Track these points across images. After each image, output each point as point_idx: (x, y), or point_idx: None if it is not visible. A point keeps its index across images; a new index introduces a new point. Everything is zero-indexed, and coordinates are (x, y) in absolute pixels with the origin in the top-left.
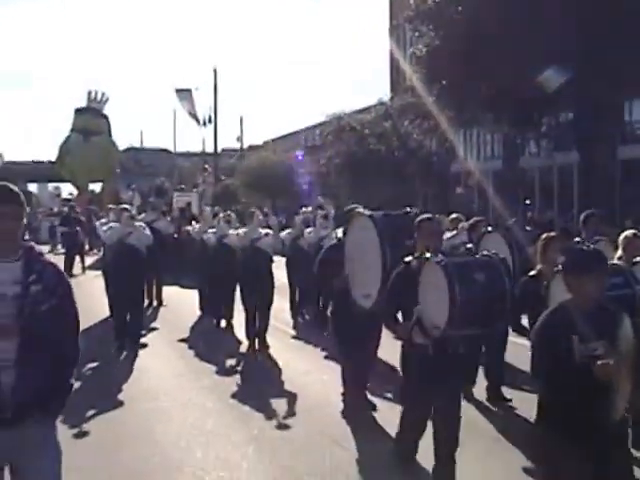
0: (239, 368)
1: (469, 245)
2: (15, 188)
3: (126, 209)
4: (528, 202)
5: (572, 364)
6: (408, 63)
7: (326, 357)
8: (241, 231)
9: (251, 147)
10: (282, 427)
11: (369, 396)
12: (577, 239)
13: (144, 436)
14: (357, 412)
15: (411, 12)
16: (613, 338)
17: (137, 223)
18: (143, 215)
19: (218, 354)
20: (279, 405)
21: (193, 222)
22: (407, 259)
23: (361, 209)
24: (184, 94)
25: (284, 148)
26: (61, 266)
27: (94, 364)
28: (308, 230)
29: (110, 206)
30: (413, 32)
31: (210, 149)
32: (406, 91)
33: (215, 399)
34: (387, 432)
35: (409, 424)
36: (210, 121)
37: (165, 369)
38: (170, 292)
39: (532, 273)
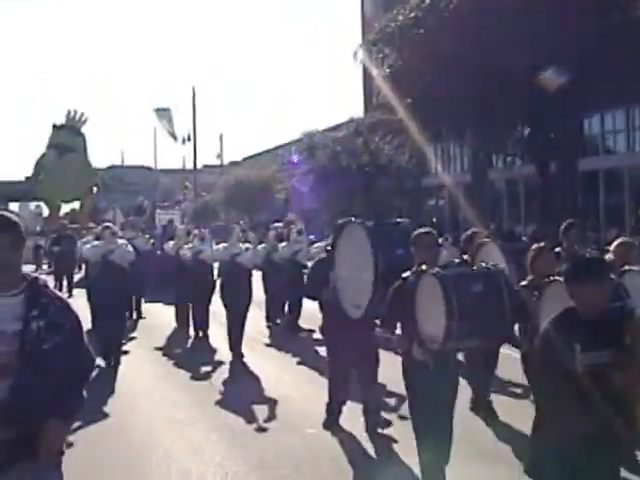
0: (215, 374)
1: (465, 257)
2: (13, 217)
3: (108, 227)
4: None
5: (573, 372)
6: (377, 82)
7: (299, 363)
8: (221, 246)
9: (232, 163)
10: (251, 418)
11: (383, 414)
12: (557, 249)
13: (120, 428)
14: (337, 425)
15: (375, 34)
16: (619, 347)
17: (120, 240)
18: (121, 233)
19: (193, 360)
20: (249, 398)
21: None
22: (405, 274)
23: (353, 219)
24: (163, 113)
25: (262, 164)
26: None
27: None
28: (282, 245)
29: (91, 225)
30: (377, 54)
31: (190, 166)
32: (376, 108)
33: (186, 395)
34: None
35: (427, 444)
36: (189, 139)
37: (144, 372)
38: (150, 306)
39: (523, 283)
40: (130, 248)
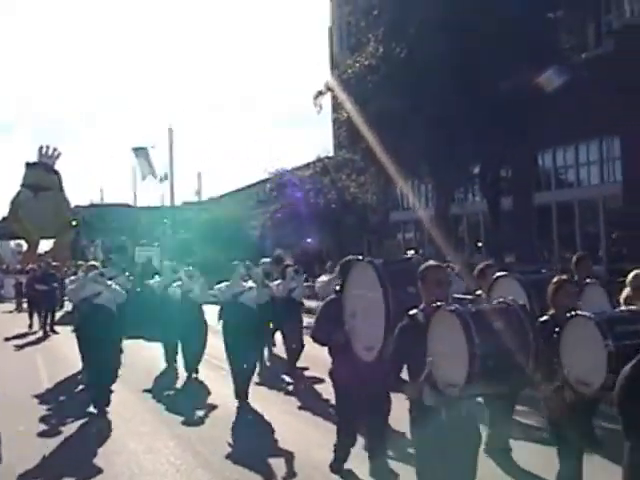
0: (210, 419)
1: (478, 292)
2: None
3: (95, 266)
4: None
5: None
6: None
7: (300, 407)
8: (223, 285)
9: (211, 199)
10: (261, 469)
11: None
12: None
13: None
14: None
15: (333, 81)
16: None
17: (108, 281)
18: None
19: (187, 404)
20: (256, 450)
21: (155, 275)
22: (412, 312)
23: (359, 258)
24: (141, 152)
25: (237, 201)
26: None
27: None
28: (276, 282)
29: (80, 262)
30: (334, 100)
31: (169, 203)
32: (341, 149)
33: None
34: None
35: None
36: (166, 177)
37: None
38: (131, 344)
39: (543, 319)
40: (118, 288)
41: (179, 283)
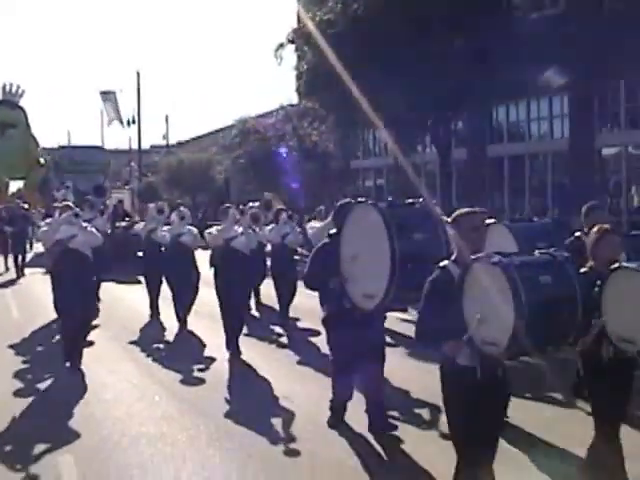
0: (208, 373)
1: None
2: None
3: (69, 206)
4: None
5: None
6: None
7: (299, 362)
8: (214, 230)
9: (179, 143)
10: (253, 421)
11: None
12: (578, 233)
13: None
14: (342, 423)
15: (293, 34)
16: None
17: (83, 223)
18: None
19: (180, 357)
20: (250, 400)
21: (126, 218)
22: (442, 263)
23: (360, 199)
24: (108, 96)
25: (204, 146)
26: None
27: (45, 376)
28: (269, 227)
29: (56, 204)
30: (295, 51)
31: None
32: (303, 97)
33: (179, 402)
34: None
35: (472, 463)
36: (134, 121)
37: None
38: (105, 287)
39: (583, 270)
40: (94, 231)
41: (168, 227)
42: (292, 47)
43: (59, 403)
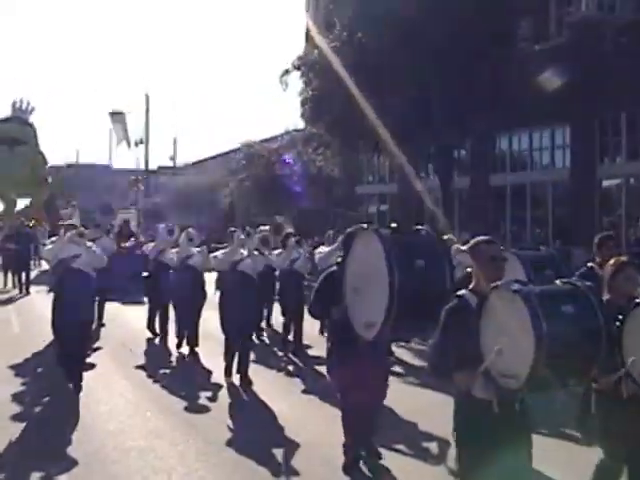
0: (214, 404)
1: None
2: None
3: (74, 225)
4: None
5: None
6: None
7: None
8: (220, 253)
9: (187, 165)
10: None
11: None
12: (590, 263)
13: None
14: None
15: (298, 61)
16: None
17: (88, 243)
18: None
19: (186, 386)
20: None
21: (131, 238)
22: (460, 292)
23: (365, 225)
24: (117, 117)
25: (210, 169)
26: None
27: (45, 398)
28: (277, 252)
29: (61, 222)
30: (301, 77)
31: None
32: (307, 122)
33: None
34: None
35: None
36: (142, 142)
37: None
38: (109, 308)
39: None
40: (99, 252)
41: (176, 249)
42: (297, 74)
43: (53, 416)
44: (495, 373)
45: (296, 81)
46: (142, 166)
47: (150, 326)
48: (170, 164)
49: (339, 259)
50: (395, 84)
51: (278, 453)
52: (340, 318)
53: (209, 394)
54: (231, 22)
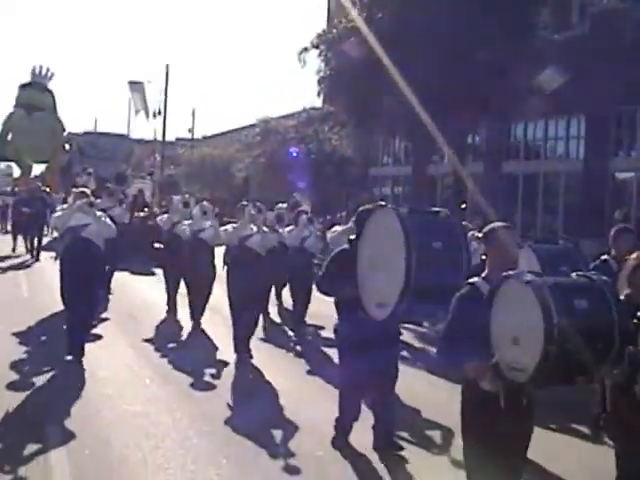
0: (219, 379)
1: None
2: None
3: (84, 193)
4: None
5: None
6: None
7: (309, 372)
8: (230, 227)
9: (205, 137)
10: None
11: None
12: (605, 257)
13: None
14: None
15: (317, 39)
16: None
17: (98, 212)
18: (98, 201)
19: (191, 359)
20: (257, 412)
21: (145, 209)
22: (472, 279)
23: (381, 204)
24: (137, 86)
25: (226, 142)
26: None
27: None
28: (288, 229)
29: (73, 190)
30: (319, 56)
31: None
32: (324, 101)
33: (187, 406)
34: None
35: None
36: (160, 113)
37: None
38: (119, 278)
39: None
40: (109, 221)
41: (189, 222)
42: (316, 52)
43: (52, 379)
44: (504, 365)
45: (315, 59)
46: (160, 137)
47: (168, 300)
48: (188, 136)
49: (352, 237)
50: (413, 65)
51: (272, 426)
52: (350, 296)
53: (212, 370)
54: None
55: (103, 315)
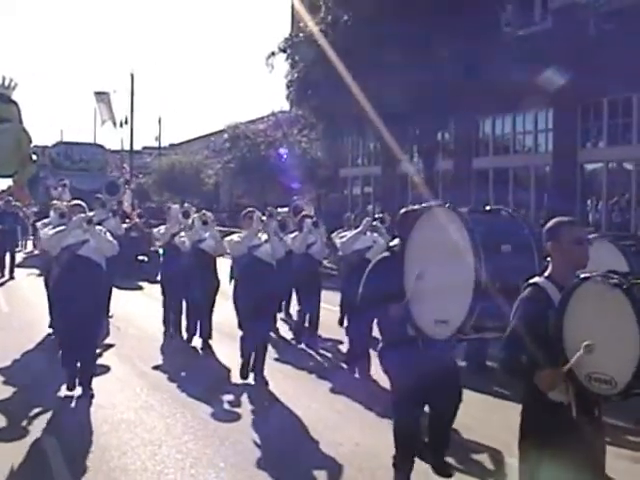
0: (229, 402)
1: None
2: None
3: (80, 206)
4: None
5: None
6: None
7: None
8: (236, 237)
9: (172, 145)
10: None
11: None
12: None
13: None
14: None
15: (284, 43)
16: None
17: (97, 227)
18: (92, 214)
19: (198, 380)
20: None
21: (127, 219)
22: (534, 280)
23: (438, 202)
24: (102, 97)
25: (195, 149)
26: None
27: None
28: (292, 235)
29: (53, 203)
30: (286, 60)
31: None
32: (293, 104)
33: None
34: None
35: None
36: (127, 122)
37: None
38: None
39: None
40: (109, 237)
41: (188, 232)
42: (283, 56)
43: (46, 391)
44: (581, 374)
45: (282, 63)
46: (127, 146)
47: (165, 321)
48: (155, 144)
49: (393, 243)
50: (380, 66)
51: (265, 428)
52: (401, 313)
53: (201, 376)
54: (218, 3)
55: (107, 342)
